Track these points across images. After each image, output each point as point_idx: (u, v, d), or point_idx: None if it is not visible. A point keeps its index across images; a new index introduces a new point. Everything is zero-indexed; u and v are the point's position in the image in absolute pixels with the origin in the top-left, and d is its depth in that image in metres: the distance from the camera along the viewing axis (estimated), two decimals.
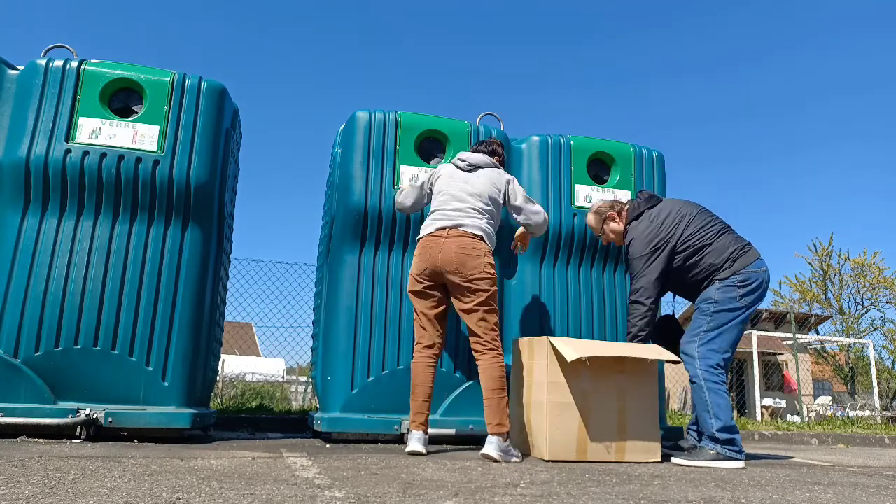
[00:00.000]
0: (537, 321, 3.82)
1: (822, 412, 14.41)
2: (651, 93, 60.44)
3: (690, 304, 3.79)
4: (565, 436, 2.92)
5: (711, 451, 3.01)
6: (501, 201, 3.22)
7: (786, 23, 48.55)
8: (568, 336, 3.81)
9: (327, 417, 3.41)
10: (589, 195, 3.98)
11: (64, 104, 3.35)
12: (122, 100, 3.47)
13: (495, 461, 2.76)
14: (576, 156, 4.01)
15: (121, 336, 3.25)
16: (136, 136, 3.38)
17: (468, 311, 3.04)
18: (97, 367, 3.20)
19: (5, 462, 2.19)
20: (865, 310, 22.16)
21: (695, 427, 3.30)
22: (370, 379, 3.52)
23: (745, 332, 3.39)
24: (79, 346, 3.20)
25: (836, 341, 18.74)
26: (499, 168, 3.28)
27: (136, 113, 3.44)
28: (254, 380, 13.02)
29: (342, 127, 4.00)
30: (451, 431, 3.44)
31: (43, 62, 3.41)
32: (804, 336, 17.24)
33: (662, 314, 3.75)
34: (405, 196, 3.37)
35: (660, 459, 3.05)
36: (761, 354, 17.34)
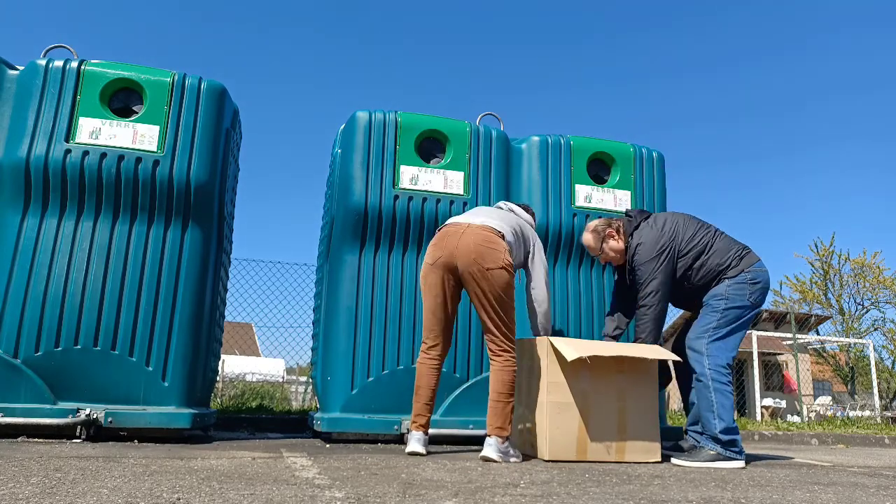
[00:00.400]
0: None
1: (822, 412, 14.41)
2: (651, 93, 60.42)
3: (680, 312, 3.78)
4: (565, 436, 2.92)
5: (711, 452, 3.01)
6: (524, 248, 3.15)
7: (786, 23, 48.54)
8: (568, 336, 3.81)
9: (327, 417, 3.42)
10: (589, 195, 3.98)
11: (64, 104, 3.35)
12: (122, 100, 3.48)
13: (495, 462, 2.76)
14: (576, 156, 4.01)
15: (121, 336, 3.25)
16: (136, 136, 3.38)
17: (485, 308, 2.94)
18: (97, 367, 3.20)
19: (5, 462, 2.19)
20: (865, 310, 22.17)
21: (694, 427, 3.29)
22: (370, 379, 3.52)
23: (745, 332, 3.39)
24: (79, 347, 3.20)
25: (836, 341, 18.72)
26: (532, 227, 3.30)
27: (136, 113, 3.44)
28: (254, 380, 13.00)
29: (342, 127, 4.01)
30: (451, 431, 3.44)
31: (43, 62, 3.41)
32: (804, 336, 17.23)
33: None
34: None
35: (660, 459, 3.05)
36: (761, 354, 17.34)
